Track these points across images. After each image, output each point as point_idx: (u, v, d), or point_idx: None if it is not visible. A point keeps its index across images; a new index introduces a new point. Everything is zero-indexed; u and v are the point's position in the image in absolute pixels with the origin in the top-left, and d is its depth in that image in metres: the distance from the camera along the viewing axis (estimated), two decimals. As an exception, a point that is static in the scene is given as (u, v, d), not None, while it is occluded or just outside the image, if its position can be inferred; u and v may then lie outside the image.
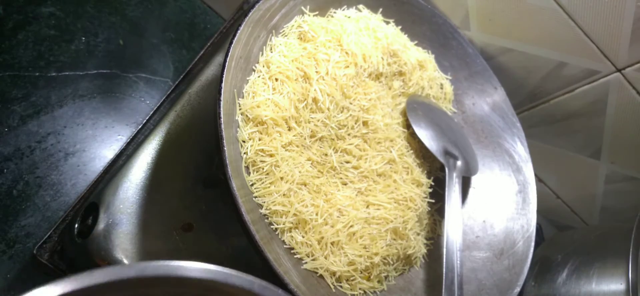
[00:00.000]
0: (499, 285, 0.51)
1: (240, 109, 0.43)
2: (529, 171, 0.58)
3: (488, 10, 0.60)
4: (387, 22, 0.56)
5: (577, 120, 0.64)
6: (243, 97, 0.44)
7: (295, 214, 0.42)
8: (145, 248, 0.42)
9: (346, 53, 0.49)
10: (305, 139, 0.45)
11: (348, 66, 0.49)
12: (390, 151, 0.50)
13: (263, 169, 0.42)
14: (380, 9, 0.55)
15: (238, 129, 0.43)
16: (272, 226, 0.42)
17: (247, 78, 0.45)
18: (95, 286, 0.24)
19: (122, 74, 0.61)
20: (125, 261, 0.41)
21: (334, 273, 0.43)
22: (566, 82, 0.61)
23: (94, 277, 0.24)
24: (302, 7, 0.50)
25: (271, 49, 0.47)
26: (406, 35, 0.57)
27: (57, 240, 0.44)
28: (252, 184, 0.42)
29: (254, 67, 0.46)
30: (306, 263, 0.42)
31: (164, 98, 0.50)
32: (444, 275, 0.45)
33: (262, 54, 0.46)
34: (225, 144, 0.37)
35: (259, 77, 0.45)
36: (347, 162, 0.48)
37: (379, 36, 0.52)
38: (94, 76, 0.59)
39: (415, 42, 0.58)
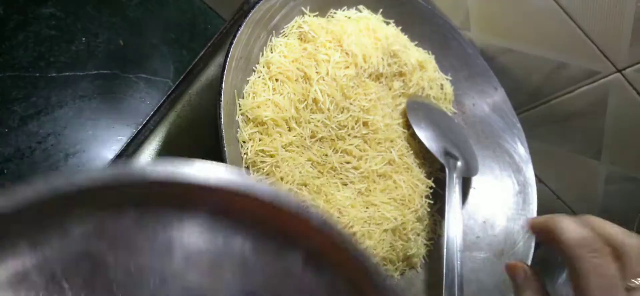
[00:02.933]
0: (499, 286, 0.51)
1: (240, 110, 0.43)
2: (530, 172, 0.58)
3: (488, 11, 0.60)
4: (387, 23, 0.56)
5: (578, 121, 0.64)
6: (243, 98, 0.44)
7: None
8: (145, 248, 0.42)
9: (346, 53, 0.49)
10: (305, 139, 0.45)
11: (348, 67, 0.49)
12: (391, 152, 0.50)
13: (263, 169, 0.42)
14: (381, 10, 0.55)
15: (238, 129, 0.43)
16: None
17: (248, 79, 0.45)
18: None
19: (122, 75, 0.61)
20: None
21: None
22: (566, 83, 0.61)
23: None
24: (302, 8, 0.50)
25: (271, 50, 0.47)
26: (406, 35, 0.57)
27: (57, 241, 0.44)
28: (252, 185, 0.42)
29: (254, 68, 0.46)
30: None
31: (164, 99, 0.50)
32: (444, 275, 0.45)
33: (262, 55, 0.46)
34: (225, 145, 0.37)
35: (259, 77, 0.45)
36: (348, 162, 0.48)
37: (379, 37, 0.52)
38: (94, 76, 0.59)
39: (416, 42, 0.58)
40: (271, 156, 0.43)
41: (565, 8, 0.54)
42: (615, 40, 0.54)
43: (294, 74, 0.46)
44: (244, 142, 0.43)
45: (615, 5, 0.51)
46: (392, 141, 0.51)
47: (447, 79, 0.60)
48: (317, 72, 0.46)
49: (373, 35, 0.52)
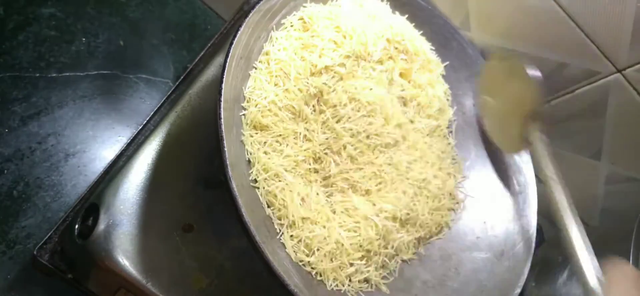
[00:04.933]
0: (499, 286, 0.51)
1: (241, 111, 0.43)
2: (530, 172, 0.58)
3: (488, 11, 0.60)
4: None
5: (578, 121, 0.64)
6: (244, 98, 0.44)
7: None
8: (145, 248, 0.42)
9: (343, 36, 0.48)
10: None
11: (342, 46, 0.48)
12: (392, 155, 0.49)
13: (266, 182, 0.42)
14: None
15: (239, 129, 0.43)
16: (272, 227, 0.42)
17: (248, 77, 0.45)
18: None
19: (122, 75, 0.61)
20: (126, 262, 0.40)
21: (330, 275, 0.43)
22: (567, 83, 0.61)
23: None
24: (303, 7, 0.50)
25: (272, 44, 0.47)
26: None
27: (58, 241, 0.44)
28: (252, 185, 0.42)
29: (254, 65, 0.45)
30: (305, 264, 0.42)
31: (164, 99, 0.50)
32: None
33: (263, 50, 0.46)
34: (225, 145, 0.37)
35: (259, 74, 0.45)
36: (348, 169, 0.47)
37: (383, 23, 0.51)
38: (95, 76, 0.59)
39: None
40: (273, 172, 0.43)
41: (565, 8, 0.54)
42: (616, 41, 0.54)
43: (294, 68, 0.45)
44: (244, 142, 0.43)
45: (615, 5, 0.51)
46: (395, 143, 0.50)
47: (446, 93, 0.59)
48: (313, 65, 0.46)
49: (378, 24, 0.51)
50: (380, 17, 0.52)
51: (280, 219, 0.42)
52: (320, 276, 0.43)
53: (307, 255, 0.42)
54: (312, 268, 0.42)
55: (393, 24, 0.53)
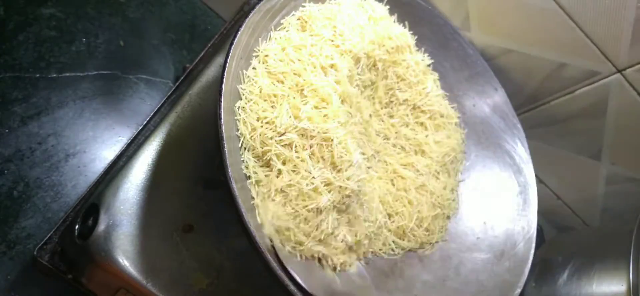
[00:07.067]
0: (499, 286, 0.51)
1: (241, 112, 0.43)
2: (530, 172, 0.58)
3: (488, 12, 0.60)
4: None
5: (578, 121, 0.64)
6: (243, 98, 0.44)
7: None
8: (145, 248, 0.42)
9: (341, 35, 0.48)
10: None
11: (341, 46, 0.48)
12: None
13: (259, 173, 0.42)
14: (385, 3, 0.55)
15: (238, 131, 0.43)
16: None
17: (247, 76, 0.45)
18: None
19: (122, 75, 0.61)
20: (126, 262, 0.40)
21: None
22: (567, 84, 0.61)
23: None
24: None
25: (270, 44, 0.47)
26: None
27: (58, 241, 0.44)
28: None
29: (253, 66, 0.45)
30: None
31: (164, 99, 0.50)
32: None
33: (262, 50, 0.46)
34: (225, 145, 0.37)
35: (258, 74, 0.45)
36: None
37: (382, 34, 0.51)
38: (95, 77, 0.59)
39: (415, 38, 0.57)
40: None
41: (565, 9, 0.54)
42: (616, 41, 0.54)
43: (291, 69, 0.45)
44: (244, 142, 0.42)
45: (615, 6, 0.51)
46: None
47: (446, 95, 0.59)
48: (313, 66, 0.46)
49: (375, 27, 0.51)
50: (379, 19, 0.52)
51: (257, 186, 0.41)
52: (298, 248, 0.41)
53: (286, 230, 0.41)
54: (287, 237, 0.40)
55: (394, 34, 0.53)
